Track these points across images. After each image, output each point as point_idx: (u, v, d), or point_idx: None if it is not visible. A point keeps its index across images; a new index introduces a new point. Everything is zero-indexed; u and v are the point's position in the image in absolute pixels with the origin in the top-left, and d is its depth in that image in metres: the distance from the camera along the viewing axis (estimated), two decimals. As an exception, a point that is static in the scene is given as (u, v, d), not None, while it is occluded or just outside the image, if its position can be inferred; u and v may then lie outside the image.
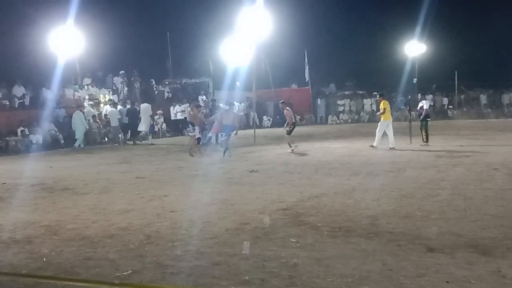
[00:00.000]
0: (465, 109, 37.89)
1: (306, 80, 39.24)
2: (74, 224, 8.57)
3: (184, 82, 35.47)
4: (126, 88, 29.90)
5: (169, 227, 8.16)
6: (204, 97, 32.39)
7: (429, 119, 19.55)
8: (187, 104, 24.71)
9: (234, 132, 18.36)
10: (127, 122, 25.37)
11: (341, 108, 38.94)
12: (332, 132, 27.79)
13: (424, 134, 19.31)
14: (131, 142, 24.96)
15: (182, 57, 37.27)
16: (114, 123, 25.05)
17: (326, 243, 7.06)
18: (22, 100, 25.05)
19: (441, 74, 38.79)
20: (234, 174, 13.53)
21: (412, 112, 21.65)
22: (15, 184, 13.11)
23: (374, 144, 18.37)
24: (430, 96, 37.88)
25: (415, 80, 27.00)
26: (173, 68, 36.16)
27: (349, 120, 37.73)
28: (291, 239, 7.26)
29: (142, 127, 25.35)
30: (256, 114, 29.02)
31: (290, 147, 18.47)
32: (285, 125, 19.56)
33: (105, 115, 25.84)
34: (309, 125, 35.38)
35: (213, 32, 33.34)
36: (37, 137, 22.33)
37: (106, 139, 25.49)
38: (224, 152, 17.67)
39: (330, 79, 41.67)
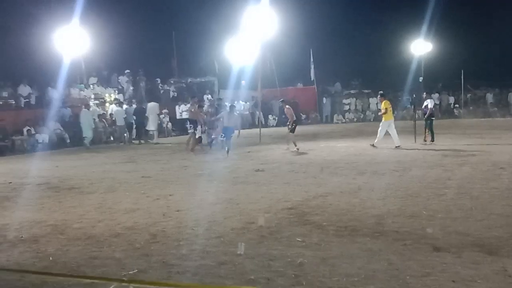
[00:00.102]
0: (471, 108, 37.81)
1: (312, 79, 39.24)
2: (80, 223, 8.58)
3: (190, 81, 35.52)
4: (131, 87, 29.96)
5: (175, 226, 8.17)
6: (209, 96, 32.42)
7: (433, 118, 19.51)
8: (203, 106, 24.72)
9: (236, 134, 18.35)
10: (134, 121, 25.46)
11: (346, 107, 38.93)
12: (338, 131, 27.77)
13: (428, 133, 19.27)
14: (137, 142, 25.01)
15: (188, 56, 37.36)
16: (120, 122, 25.10)
17: (332, 242, 7.05)
18: (28, 100, 25.13)
19: (447, 73, 38.76)
20: (239, 173, 13.52)
21: (416, 111, 21.60)
22: (21, 183, 13.15)
23: (375, 144, 18.36)
24: (436, 95, 37.82)
25: (421, 79, 26.93)
26: (179, 67, 36.27)
27: (355, 119, 37.72)
28: (297, 239, 7.25)
29: (151, 126, 25.36)
30: (261, 113, 29.01)
31: (295, 145, 18.48)
32: (287, 123, 19.61)
33: (111, 114, 25.88)
34: (315, 124, 35.40)
35: (218, 31, 33.39)
36: (43, 136, 22.38)
37: (112, 138, 25.53)
38: (228, 151, 17.71)
39: (335, 78, 41.66)
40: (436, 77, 39.18)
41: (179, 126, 29.29)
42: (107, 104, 27.42)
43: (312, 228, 7.78)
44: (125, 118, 25.18)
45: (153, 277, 5.89)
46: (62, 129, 23.93)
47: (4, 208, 10.14)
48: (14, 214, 9.54)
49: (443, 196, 9.74)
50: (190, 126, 19.89)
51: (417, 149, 17.71)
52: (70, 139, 23.80)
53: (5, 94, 24.60)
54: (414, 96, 24.52)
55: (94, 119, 24.55)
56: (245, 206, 9.44)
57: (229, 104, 21.18)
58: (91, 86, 28.22)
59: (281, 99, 21.65)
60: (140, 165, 16.39)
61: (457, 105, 38.41)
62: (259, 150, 19.19)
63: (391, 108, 19.15)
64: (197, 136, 19.41)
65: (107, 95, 28.16)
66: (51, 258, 6.77)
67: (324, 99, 38.92)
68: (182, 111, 29.05)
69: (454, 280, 5.56)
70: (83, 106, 24.40)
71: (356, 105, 39.06)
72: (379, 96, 20.40)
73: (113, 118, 25.38)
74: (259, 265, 6.18)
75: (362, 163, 14.61)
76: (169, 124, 29.02)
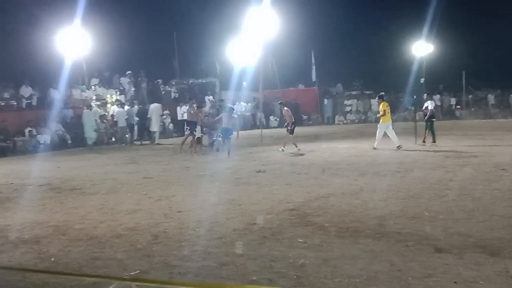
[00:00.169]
0: (473, 109, 37.76)
1: (313, 80, 39.22)
2: (81, 224, 8.59)
3: (191, 82, 35.53)
4: (133, 89, 29.99)
5: (177, 227, 8.17)
6: (211, 97, 32.42)
7: (434, 120, 19.48)
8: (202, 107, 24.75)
9: (235, 135, 18.36)
10: (136, 122, 25.54)
11: (348, 108, 38.87)
12: (339, 132, 27.75)
13: (428, 134, 19.26)
14: (138, 142, 25.04)
15: (189, 57, 37.37)
16: (121, 123, 25.11)
17: (334, 243, 7.05)
18: (29, 101, 25.16)
19: (448, 74, 38.69)
20: (241, 174, 13.52)
21: (417, 112, 21.58)
22: (22, 184, 13.17)
23: (375, 146, 18.36)
24: (438, 96, 37.76)
25: (422, 80, 26.91)
26: (180, 68, 36.27)
27: (356, 120, 37.69)
28: (299, 240, 7.25)
29: (155, 127, 25.38)
30: (263, 115, 29.01)
31: (296, 146, 18.49)
32: (285, 125, 19.61)
33: (112, 115, 25.91)
34: (316, 125, 35.38)
35: (220, 32, 33.40)
36: (45, 137, 22.40)
37: (113, 139, 25.54)
38: (229, 152, 17.73)
39: (337, 79, 41.63)
40: (438, 78, 39.11)
41: (181, 127, 29.27)
42: (108, 105, 27.43)
43: (314, 229, 7.78)
44: (126, 119, 25.21)
45: (155, 278, 5.88)
46: (63, 130, 23.96)
47: (6, 209, 10.16)
48: (16, 215, 9.55)
49: (445, 197, 9.73)
50: (187, 128, 19.93)
51: (419, 150, 17.70)
52: (72, 140, 23.82)
53: (7, 95, 24.64)
54: (415, 97, 24.47)
55: (96, 120, 24.56)
56: (247, 207, 9.44)
57: (228, 106, 21.16)
58: (93, 87, 28.25)
59: (279, 101, 21.66)
60: (142, 166, 16.39)
61: (458, 106, 38.35)
62: (260, 151, 19.19)
63: (389, 110, 19.17)
64: (196, 137, 19.43)
65: (108, 96, 28.18)
66: (53, 259, 6.78)
67: (326, 100, 38.89)
68: (184, 112, 29.04)
69: (456, 281, 5.56)
70: (85, 107, 24.42)
71: (357, 106, 39.00)
72: (377, 98, 20.42)
73: (115, 119, 25.39)
74: (261, 266, 6.19)
75: (364, 164, 14.60)
76: (171, 125, 29.03)
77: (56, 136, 23.26)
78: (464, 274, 5.75)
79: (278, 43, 29.00)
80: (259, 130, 23.71)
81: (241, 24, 24.63)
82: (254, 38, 24.48)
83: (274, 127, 33.90)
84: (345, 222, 8.13)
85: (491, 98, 38.49)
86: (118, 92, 29.08)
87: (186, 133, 20.10)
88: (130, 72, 30.37)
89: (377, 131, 18.71)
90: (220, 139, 18.40)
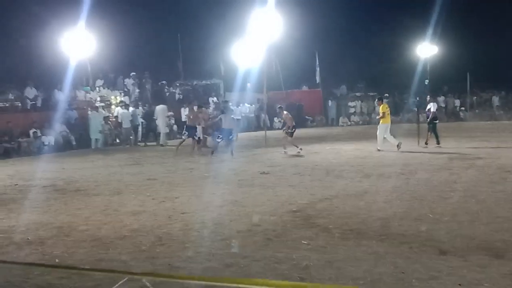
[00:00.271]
0: (477, 111, 37.67)
1: (317, 81, 39.16)
2: (86, 225, 8.60)
3: (195, 84, 35.53)
4: (137, 90, 30.02)
5: (181, 228, 8.18)
6: (215, 98, 32.42)
7: (436, 122, 19.41)
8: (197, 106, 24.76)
9: (233, 136, 18.34)
10: (142, 123, 25.64)
11: (352, 110, 38.79)
12: (343, 134, 27.73)
13: (430, 136, 19.21)
14: (143, 144, 25.07)
15: (193, 59, 37.36)
16: (126, 124, 25.14)
17: (338, 245, 7.04)
18: (34, 102, 25.19)
19: (453, 76, 38.62)
20: (245, 176, 13.52)
21: (420, 114, 21.54)
22: (27, 186, 13.19)
23: (379, 148, 18.34)
24: (442, 97, 37.71)
25: (427, 81, 26.89)
26: (184, 69, 36.28)
27: (360, 122, 37.60)
28: (302, 241, 7.25)
29: (161, 128, 25.41)
30: (267, 116, 29.01)
31: (297, 146, 18.48)
32: (284, 127, 19.56)
33: (116, 116, 25.94)
34: (320, 127, 35.33)
35: (224, 33, 33.40)
36: (49, 139, 22.42)
37: (118, 141, 25.56)
38: (232, 153, 17.76)
39: (341, 81, 41.57)
40: (442, 80, 39.07)
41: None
42: (112, 107, 27.48)
43: (317, 231, 7.78)
44: (131, 121, 25.24)
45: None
46: (68, 131, 23.97)
47: (11, 210, 10.17)
48: (20, 216, 9.57)
49: (449, 199, 9.72)
50: (185, 133, 19.93)
51: (423, 152, 17.66)
52: (76, 141, 23.84)
53: (11, 96, 24.66)
54: (418, 99, 24.43)
55: (101, 122, 24.62)
56: (251, 208, 9.45)
57: (228, 107, 21.13)
58: (97, 88, 28.30)
59: (279, 106, 21.65)
60: (146, 167, 16.40)
61: (463, 108, 38.26)
62: (264, 152, 19.18)
63: (389, 112, 19.18)
64: (197, 138, 19.47)
65: (113, 97, 28.22)
66: (57, 260, 6.79)
67: (330, 101, 38.82)
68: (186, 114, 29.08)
69: (461, 283, 5.55)
70: (89, 109, 24.46)
71: (361, 108, 38.91)
72: (377, 100, 20.42)
73: (120, 120, 25.42)
74: (265, 268, 6.19)
75: (368, 166, 14.59)
76: (175, 126, 29.04)
77: (61, 137, 23.27)
78: (468, 276, 5.74)
79: (282, 44, 28.97)
80: (263, 132, 23.70)
81: (245, 25, 24.63)
82: (258, 39, 24.46)
83: (278, 129, 33.87)
84: (349, 224, 8.12)
85: (495, 99, 38.40)
86: (122, 94, 29.12)
87: (183, 137, 20.12)
88: (134, 73, 30.39)
89: (377, 133, 18.70)
90: (220, 140, 18.39)
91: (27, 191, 12.43)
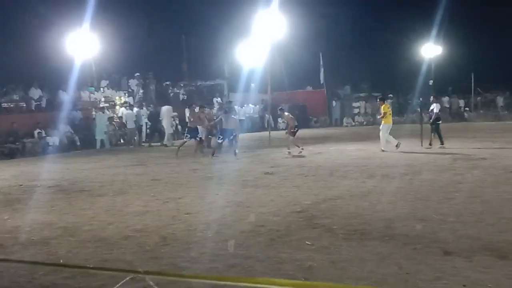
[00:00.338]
0: (481, 111, 37.63)
1: (321, 82, 39.17)
2: (90, 225, 8.62)
3: (199, 84, 35.58)
4: (141, 91, 30.08)
5: (185, 229, 8.19)
6: (219, 99, 32.45)
7: (439, 122, 19.35)
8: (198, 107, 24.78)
9: (234, 137, 18.36)
10: (147, 124, 25.75)
11: (356, 110, 38.80)
12: (347, 135, 27.72)
13: (434, 137, 19.16)
14: (147, 144, 25.12)
15: (197, 59, 37.44)
16: (130, 125, 25.21)
17: (342, 246, 7.04)
18: (38, 102, 25.29)
19: (457, 76, 38.61)
20: (249, 176, 13.51)
21: (423, 115, 21.48)
22: (32, 186, 13.23)
23: (383, 148, 18.32)
24: (446, 98, 37.67)
25: (431, 82, 26.81)
26: (188, 70, 36.35)
27: (364, 122, 37.58)
28: (306, 242, 7.25)
29: (167, 129, 25.47)
30: (271, 116, 29.03)
31: (299, 147, 18.49)
32: (287, 128, 19.58)
33: (120, 117, 26.01)
34: (324, 127, 35.34)
35: (228, 34, 33.45)
36: (54, 139, 22.50)
37: (122, 141, 25.62)
38: (235, 153, 17.87)
39: (345, 81, 41.60)
40: (446, 80, 39.03)
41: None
42: (117, 107, 27.55)
43: (321, 232, 7.77)
44: (135, 121, 25.32)
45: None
46: (72, 131, 24.05)
47: (16, 210, 10.20)
48: (25, 216, 9.59)
49: (454, 200, 9.70)
50: (186, 136, 19.96)
51: (427, 152, 17.63)
52: (81, 141, 23.91)
53: (16, 97, 24.76)
54: (421, 99, 24.39)
55: (106, 123, 24.71)
56: (255, 209, 9.44)
57: (227, 107, 21.16)
58: (102, 89, 28.36)
59: (280, 107, 21.66)
60: (150, 167, 16.42)
61: (467, 108, 38.22)
62: (268, 153, 19.19)
63: (390, 112, 19.17)
64: (199, 139, 19.51)
65: (117, 98, 28.29)
66: (61, 261, 6.80)
67: (334, 102, 38.84)
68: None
69: (465, 284, 5.55)
70: (93, 110, 24.53)
71: (365, 108, 38.90)
72: (378, 100, 20.44)
73: (125, 121, 25.48)
74: (268, 268, 6.19)
75: (372, 167, 14.56)
76: (179, 127, 29.08)
77: (65, 138, 23.34)
78: (472, 277, 5.73)
79: (286, 45, 28.99)
80: (267, 132, 23.70)
81: (249, 26, 24.66)
82: (262, 40, 24.48)
83: (282, 129, 33.88)
84: (353, 224, 8.11)
85: (500, 100, 38.35)
86: (126, 94, 29.19)
87: (184, 139, 20.17)
88: (138, 74, 30.46)
89: (380, 133, 18.69)
90: (221, 140, 18.43)
91: (32, 191, 12.46)
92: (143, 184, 12.93)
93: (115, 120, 25.52)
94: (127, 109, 26.03)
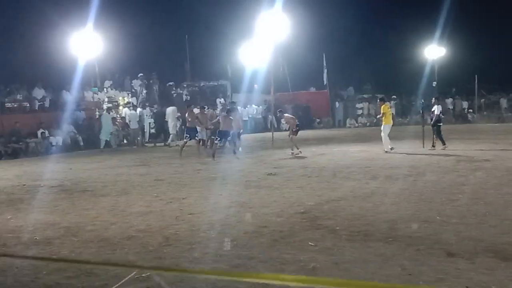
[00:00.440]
0: (485, 113, 37.53)
1: (324, 83, 39.14)
2: (93, 225, 8.63)
3: (202, 85, 35.58)
4: (144, 91, 30.11)
5: (188, 229, 8.19)
6: (222, 100, 32.45)
7: (440, 124, 19.29)
8: (205, 107, 24.77)
9: (231, 138, 18.42)
10: (150, 124, 25.79)
11: (359, 112, 38.74)
12: (351, 136, 27.69)
13: (436, 139, 19.12)
14: (151, 144, 25.16)
15: (201, 60, 37.49)
16: (134, 125, 25.25)
17: (345, 247, 7.03)
18: (42, 102, 25.33)
19: (461, 78, 38.59)
20: (252, 177, 13.51)
21: (425, 116, 21.46)
22: (35, 186, 13.25)
23: (385, 149, 18.30)
24: (450, 99, 37.63)
25: (434, 83, 26.73)
26: (192, 70, 36.34)
27: (368, 124, 37.51)
28: (309, 243, 7.24)
29: (173, 130, 25.51)
30: (274, 117, 29.01)
31: (297, 148, 18.52)
32: (289, 128, 19.61)
33: (123, 117, 26.04)
34: (327, 128, 35.33)
35: (231, 35, 33.49)
36: (57, 139, 22.54)
37: (125, 141, 25.66)
38: (235, 152, 18.11)
39: (348, 82, 41.57)
40: (450, 82, 39.01)
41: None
42: (120, 107, 27.60)
43: (324, 233, 7.77)
44: (138, 122, 25.36)
45: (166, 280, 5.89)
46: (75, 131, 24.09)
47: (19, 210, 10.22)
48: (28, 216, 9.61)
49: (457, 202, 9.68)
50: (186, 136, 20.01)
51: (431, 154, 17.59)
52: (84, 142, 23.95)
53: (19, 97, 24.80)
54: (423, 101, 24.36)
55: (111, 123, 24.77)
56: (258, 210, 9.44)
57: (226, 108, 21.21)
58: (105, 89, 28.40)
59: (279, 110, 21.69)
60: (153, 168, 16.44)
61: (470, 110, 38.13)
62: (271, 154, 19.19)
63: (390, 112, 19.16)
64: (199, 139, 19.52)
65: (120, 98, 28.34)
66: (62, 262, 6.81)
67: (337, 103, 38.80)
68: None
69: (468, 286, 5.54)
70: (97, 110, 24.57)
71: (369, 110, 38.82)
72: (378, 100, 20.45)
73: (128, 121, 25.52)
74: (271, 269, 6.18)
75: (375, 168, 14.55)
76: (183, 127, 29.11)
77: (68, 138, 23.39)
78: (475, 278, 5.72)
79: (290, 46, 29.01)
80: (270, 133, 23.71)
81: (252, 27, 24.67)
82: (266, 40, 24.49)
83: (285, 130, 33.85)
84: (356, 225, 8.10)
85: (503, 102, 38.26)
86: (129, 95, 29.23)
87: (184, 140, 20.22)
88: (142, 74, 30.49)
89: (382, 135, 18.65)
90: (217, 141, 18.51)
91: (35, 191, 12.48)
92: (146, 184, 12.94)
93: (118, 120, 25.55)
94: (130, 110, 26.08)
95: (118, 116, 26.23)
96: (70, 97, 25.40)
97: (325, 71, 38.71)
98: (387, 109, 19.03)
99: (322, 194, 10.79)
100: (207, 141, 20.52)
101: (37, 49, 26.46)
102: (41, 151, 21.73)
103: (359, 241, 7.29)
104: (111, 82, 29.15)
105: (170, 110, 25.84)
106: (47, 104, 25.46)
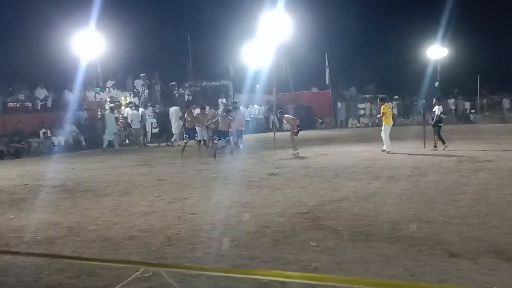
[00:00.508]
0: (487, 113, 37.49)
1: (327, 83, 39.13)
2: (95, 225, 8.64)
3: (205, 85, 35.57)
4: (147, 91, 30.12)
5: (190, 229, 8.19)
6: (224, 100, 32.45)
7: (441, 125, 19.27)
8: (208, 107, 24.75)
9: (228, 138, 18.46)
10: (152, 124, 25.82)
11: (361, 112, 38.70)
12: (353, 136, 27.67)
13: (436, 139, 19.09)
14: (155, 144, 25.20)
15: (203, 60, 37.46)
16: (136, 125, 25.27)
17: (347, 247, 7.03)
18: (44, 102, 25.36)
19: (463, 78, 38.54)
20: (254, 177, 13.51)
21: (427, 116, 21.44)
22: (37, 186, 13.26)
23: (387, 150, 18.26)
24: (452, 100, 37.59)
25: (437, 83, 26.66)
26: (194, 71, 36.33)
27: (370, 124, 37.47)
28: (311, 243, 7.24)
29: (176, 130, 25.53)
30: (276, 118, 29.00)
31: (295, 150, 18.51)
32: (290, 129, 19.62)
33: (125, 117, 26.07)
34: (329, 129, 35.32)
35: (233, 35, 33.45)
36: (59, 139, 22.56)
37: (127, 141, 25.68)
38: (232, 152, 18.29)
39: (350, 82, 41.54)
40: (452, 82, 38.96)
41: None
42: (122, 107, 27.63)
43: (326, 233, 7.77)
44: (140, 121, 25.38)
45: (168, 280, 5.88)
46: (78, 131, 24.10)
47: (21, 209, 10.24)
48: (30, 216, 9.62)
49: (459, 202, 9.67)
50: (186, 137, 20.06)
51: (433, 154, 17.57)
52: (86, 141, 23.97)
53: (22, 96, 24.83)
54: (424, 101, 24.35)
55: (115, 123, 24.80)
56: (260, 210, 9.44)
57: (226, 109, 21.23)
58: (107, 89, 28.42)
59: (279, 110, 21.69)
60: (155, 168, 16.45)
61: (473, 110, 38.09)
62: (273, 154, 19.18)
63: (390, 113, 19.15)
64: (198, 140, 19.54)
65: (122, 98, 28.36)
66: (66, 260, 6.81)
67: (339, 103, 38.77)
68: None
69: (471, 286, 5.52)
70: (99, 110, 24.58)
71: (371, 110, 38.77)
72: (378, 100, 20.45)
73: (131, 121, 25.53)
74: (273, 269, 6.18)
75: (377, 168, 14.54)
76: (182, 129, 29.12)
77: (71, 138, 23.40)
78: (478, 279, 5.72)
79: (292, 46, 28.99)
80: (272, 133, 23.68)
81: (255, 27, 24.65)
82: (268, 40, 24.47)
83: (287, 130, 33.84)
84: (358, 226, 8.10)
85: (506, 102, 38.22)
86: (132, 95, 29.24)
87: (184, 141, 20.27)
88: (144, 74, 30.49)
89: (383, 136, 18.62)
90: (217, 141, 18.57)
91: (37, 191, 12.49)
92: (148, 184, 12.95)
93: (120, 120, 25.57)
94: (132, 110, 26.09)
95: (120, 116, 26.23)
96: (72, 97, 25.41)
97: (327, 71, 38.69)
98: (387, 109, 19.04)
99: (324, 194, 10.79)
100: (209, 141, 20.52)
101: (39, 49, 26.48)
102: (43, 151, 21.76)
103: (361, 241, 7.29)
104: (113, 82, 29.14)
105: (173, 110, 25.85)
106: (49, 104, 25.49)
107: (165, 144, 25.13)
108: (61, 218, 9.21)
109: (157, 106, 28.30)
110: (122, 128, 25.58)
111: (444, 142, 18.78)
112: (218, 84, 36.00)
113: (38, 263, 6.68)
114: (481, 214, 8.63)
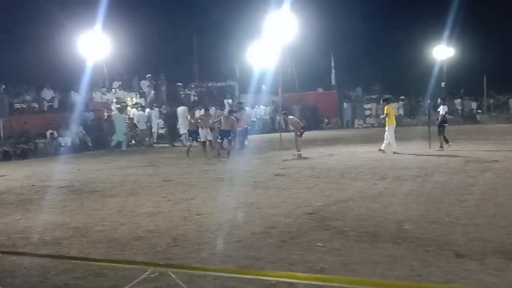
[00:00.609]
0: (494, 113, 37.33)
1: (333, 83, 39.11)
2: (102, 226, 8.66)
3: (210, 86, 35.60)
4: (153, 92, 30.17)
5: (196, 230, 8.20)
6: (230, 100, 32.46)
7: (445, 125, 19.21)
8: (214, 108, 24.77)
9: (230, 137, 18.50)
10: (158, 124, 25.88)
11: (367, 112, 38.61)
12: (359, 136, 27.62)
13: (442, 139, 19.04)
14: (162, 145, 25.26)
15: (209, 61, 37.51)
16: (142, 126, 25.31)
17: (353, 247, 7.02)
18: (51, 103, 25.45)
19: (469, 78, 38.39)
20: (260, 178, 13.51)
21: (431, 117, 21.37)
22: (44, 186, 13.30)
23: (395, 150, 18.22)
24: (459, 100, 37.48)
25: (443, 84, 26.55)
26: (200, 71, 36.40)
27: (376, 124, 37.35)
28: (318, 244, 7.24)
29: (183, 130, 25.56)
30: (282, 118, 29.01)
31: (299, 151, 18.48)
32: (294, 130, 19.60)
33: (131, 118, 26.12)
34: (335, 129, 35.26)
35: (239, 35, 33.51)
36: (66, 140, 22.62)
37: (133, 142, 25.72)
38: (229, 154, 18.30)
39: (356, 83, 41.46)
40: (458, 82, 38.84)
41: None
42: (128, 108, 27.68)
43: (333, 234, 7.76)
44: (146, 122, 25.43)
45: (174, 281, 5.88)
46: (84, 132, 24.17)
47: (28, 210, 10.27)
48: (37, 216, 9.66)
49: (466, 202, 9.64)
50: (189, 139, 20.11)
51: (439, 155, 17.52)
52: (93, 142, 24.02)
53: (28, 97, 24.93)
54: (429, 101, 24.28)
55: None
56: (266, 210, 9.45)
57: (229, 110, 21.25)
58: (113, 90, 28.48)
59: (283, 112, 21.66)
60: (162, 168, 16.46)
61: (479, 111, 37.95)
62: (279, 154, 19.17)
63: (393, 113, 19.13)
64: (201, 141, 19.59)
65: (128, 99, 28.41)
66: (73, 261, 6.83)
67: (345, 104, 38.71)
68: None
69: (477, 287, 5.51)
70: (105, 110, 24.63)
71: (377, 110, 38.65)
72: (382, 101, 20.40)
73: (137, 122, 25.58)
74: (279, 270, 6.18)
75: (384, 169, 14.51)
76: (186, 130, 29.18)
77: (77, 139, 23.46)
78: (485, 279, 5.70)
79: (298, 46, 28.98)
80: (278, 134, 23.68)
81: (260, 27, 24.66)
82: (274, 41, 24.48)
83: (293, 131, 33.81)
84: (365, 226, 8.09)
85: (512, 102, 38.09)
86: (138, 95, 29.30)
87: (188, 143, 20.32)
88: (150, 75, 30.55)
89: (389, 136, 18.57)
90: (220, 141, 18.61)
91: (44, 191, 12.53)
92: (154, 185, 12.96)
93: (126, 121, 25.62)
94: (138, 110, 26.14)
95: (126, 116, 26.28)
96: (78, 98, 25.48)
97: (333, 71, 38.68)
98: (391, 110, 19.01)
99: (330, 195, 10.78)
100: (214, 141, 20.55)
101: (45, 50, 26.57)
102: (50, 152, 21.82)
103: (368, 242, 7.28)
104: (119, 83, 29.21)
105: (181, 109, 25.88)
106: (55, 105, 25.58)
107: (167, 145, 25.15)
108: (68, 219, 9.24)
109: (163, 106, 28.34)
110: (129, 129, 25.63)
111: (447, 142, 18.74)
112: (224, 84, 36.01)
113: (45, 264, 6.70)
114: (488, 215, 8.60)
